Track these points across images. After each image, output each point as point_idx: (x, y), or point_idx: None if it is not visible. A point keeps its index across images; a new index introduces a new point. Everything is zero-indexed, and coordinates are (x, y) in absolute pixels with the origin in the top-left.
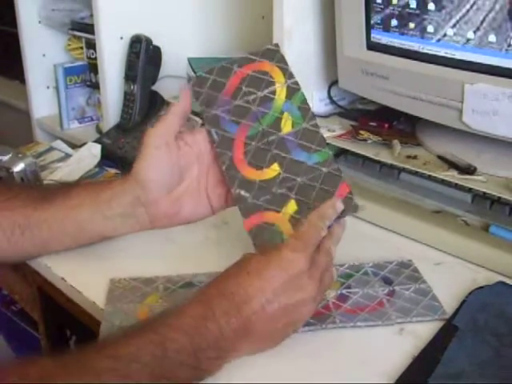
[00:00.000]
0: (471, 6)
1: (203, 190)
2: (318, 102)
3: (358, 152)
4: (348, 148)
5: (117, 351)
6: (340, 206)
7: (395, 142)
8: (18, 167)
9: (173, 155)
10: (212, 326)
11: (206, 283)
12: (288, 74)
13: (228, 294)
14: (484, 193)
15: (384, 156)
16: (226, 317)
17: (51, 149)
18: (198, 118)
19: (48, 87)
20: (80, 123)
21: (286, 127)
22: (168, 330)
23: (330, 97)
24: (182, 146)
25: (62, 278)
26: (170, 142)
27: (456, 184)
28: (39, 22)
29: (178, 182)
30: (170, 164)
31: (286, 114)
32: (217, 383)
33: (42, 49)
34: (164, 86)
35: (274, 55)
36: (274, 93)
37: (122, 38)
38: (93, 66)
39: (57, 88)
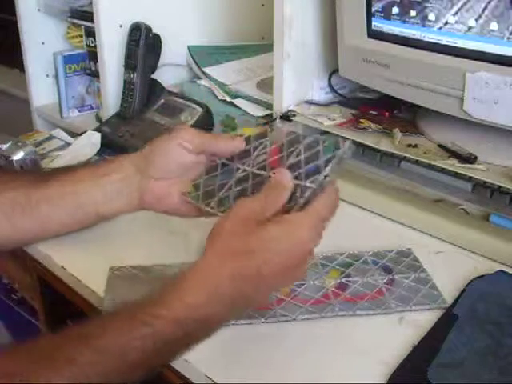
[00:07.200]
0: None
1: None
2: (318, 90)
3: (359, 140)
4: (348, 136)
5: (103, 342)
6: None
7: (396, 130)
8: (18, 156)
9: (191, 158)
10: (215, 316)
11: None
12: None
13: (245, 277)
14: (484, 182)
15: (384, 145)
16: (230, 302)
17: (51, 137)
18: (199, 107)
19: (47, 75)
20: (80, 112)
21: None
22: (164, 324)
23: (330, 85)
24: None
25: (62, 267)
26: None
27: (456, 173)
28: (38, 9)
29: (179, 175)
30: (184, 163)
31: None
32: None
33: (42, 37)
34: (164, 75)
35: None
36: None
37: (121, 26)
38: (92, 54)
39: (56, 76)
